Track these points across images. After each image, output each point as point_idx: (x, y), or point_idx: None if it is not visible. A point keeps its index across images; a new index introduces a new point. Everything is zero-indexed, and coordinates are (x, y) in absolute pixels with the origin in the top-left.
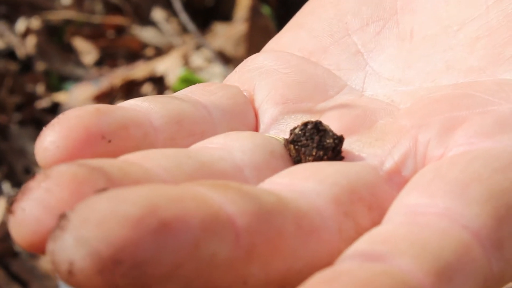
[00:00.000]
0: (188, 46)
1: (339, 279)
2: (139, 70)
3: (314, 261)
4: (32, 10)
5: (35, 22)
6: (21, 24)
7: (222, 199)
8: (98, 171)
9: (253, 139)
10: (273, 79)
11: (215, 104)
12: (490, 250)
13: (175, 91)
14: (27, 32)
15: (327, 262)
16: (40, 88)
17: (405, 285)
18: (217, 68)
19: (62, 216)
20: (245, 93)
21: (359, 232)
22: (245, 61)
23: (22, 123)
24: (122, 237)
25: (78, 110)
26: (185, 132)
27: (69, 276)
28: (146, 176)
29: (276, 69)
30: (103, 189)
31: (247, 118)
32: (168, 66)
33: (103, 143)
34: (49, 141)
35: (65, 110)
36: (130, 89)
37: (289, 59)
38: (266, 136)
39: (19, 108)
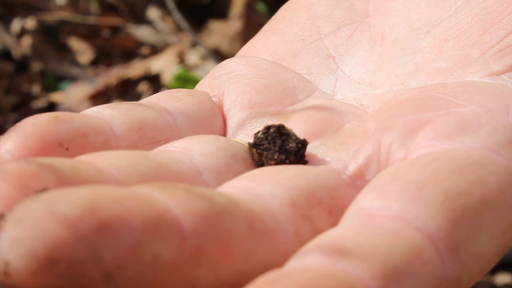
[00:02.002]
0: (184, 44)
1: (282, 280)
2: (135, 69)
3: (268, 264)
4: (27, 10)
5: (30, 23)
6: (16, 25)
7: (168, 200)
8: (47, 168)
9: (214, 143)
10: (241, 84)
11: (181, 111)
12: (444, 253)
13: (170, 89)
14: (23, 32)
15: (283, 265)
16: (36, 88)
17: (348, 287)
18: (213, 66)
19: (1, 217)
20: (214, 99)
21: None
22: (216, 67)
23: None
24: (58, 237)
25: (35, 118)
26: (148, 139)
27: (5, 277)
28: (98, 176)
29: (246, 74)
30: (44, 189)
31: (214, 124)
32: (164, 65)
33: (60, 150)
34: (5, 149)
35: (61, 109)
36: (126, 88)
37: (259, 64)
38: (229, 140)
39: (15, 108)
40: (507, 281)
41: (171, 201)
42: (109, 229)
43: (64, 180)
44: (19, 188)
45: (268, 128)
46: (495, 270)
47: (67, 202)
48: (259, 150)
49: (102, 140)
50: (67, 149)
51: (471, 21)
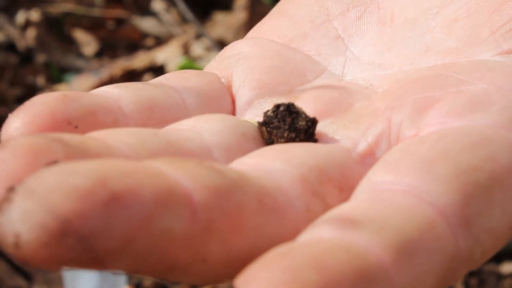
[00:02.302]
0: (188, 36)
1: (294, 253)
2: (139, 60)
3: (278, 240)
4: (31, 2)
5: (35, 14)
6: (20, 17)
7: (178, 174)
8: (57, 142)
9: (224, 121)
10: (250, 65)
11: (190, 91)
12: (457, 228)
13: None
14: (27, 24)
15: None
16: (40, 80)
17: (361, 260)
18: None
19: (11, 189)
20: (223, 80)
21: None
22: (224, 48)
23: None
24: (69, 209)
25: (44, 97)
26: (157, 118)
27: (16, 249)
28: (107, 151)
29: (254, 55)
30: (54, 162)
31: (223, 104)
32: (168, 56)
33: (69, 128)
34: (14, 127)
35: None
36: (131, 80)
37: (268, 45)
38: (238, 118)
39: (19, 100)
40: None
41: (182, 174)
42: (120, 201)
43: (74, 155)
44: (29, 161)
45: (277, 106)
46: (500, 259)
47: (78, 174)
48: (268, 129)
49: (111, 119)
50: (76, 127)
51: (480, 1)
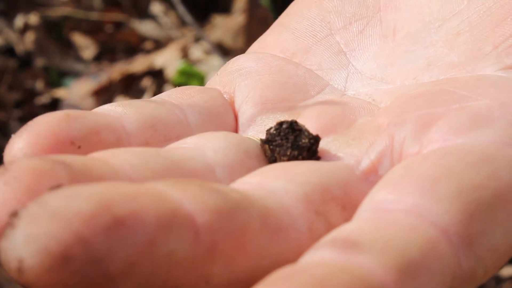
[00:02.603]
0: (187, 39)
1: (296, 275)
2: (138, 63)
3: (282, 260)
4: (30, 6)
5: (34, 18)
6: (19, 21)
7: (181, 196)
8: (60, 164)
9: (226, 139)
10: (252, 80)
11: (192, 108)
12: (459, 247)
13: (174, 84)
14: (26, 28)
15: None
16: (39, 84)
17: (364, 282)
18: (216, 60)
19: (14, 214)
20: (225, 96)
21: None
22: (226, 63)
23: (22, 119)
24: (73, 233)
25: (47, 116)
26: (160, 136)
27: (19, 274)
28: (111, 173)
29: (256, 70)
30: (58, 186)
31: (225, 120)
32: (167, 59)
33: (72, 149)
34: (17, 148)
35: (65, 105)
36: (130, 83)
37: (270, 60)
38: (241, 136)
39: (18, 104)
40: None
41: (185, 197)
42: (124, 225)
43: (77, 177)
44: (32, 185)
45: (280, 124)
46: None
47: (81, 198)
48: (271, 146)
49: (114, 138)
50: (79, 147)
51: (483, 15)
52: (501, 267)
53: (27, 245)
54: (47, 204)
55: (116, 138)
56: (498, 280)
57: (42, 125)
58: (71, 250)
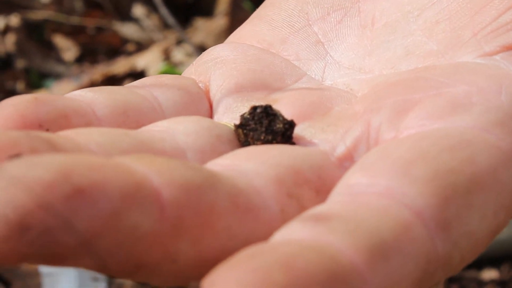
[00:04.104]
0: (169, 41)
1: (264, 253)
2: (120, 65)
3: (252, 241)
4: (11, 8)
5: (15, 20)
6: (0, 22)
7: (147, 170)
8: (22, 138)
9: (198, 123)
10: (228, 68)
11: (166, 95)
12: (434, 231)
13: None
14: (7, 29)
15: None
16: (20, 86)
17: (333, 261)
18: None
19: None
20: (200, 85)
21: None
22: (202, 53)
23: None
24: (30, 202)
25: (15, 99)
26: (132, 123)
27: None
28: (75, 149)
29: (232, 59)
30: (16, 155)
31: (200, 108)
32: (149, 61)
33: (40, 131)
34: None
35: None
36: (111, 85)
37: (246, 49)
38: (214, 121)
39: None
40: (493, 277)
41: (151, 171)
42: (84, 195)
43: (40, 151)
44: None
45: (254, 108)
46: (481, 265)
47: (41, 166)
48: (245, 131)
49: (84, 122)
50: (47, 130)
51: (462, 3)
52: (478, 255)
53: None
54: (4, 172)
55: (86, 123)
56: (480, 283)
57: (9, 107)
58: (28, 218)
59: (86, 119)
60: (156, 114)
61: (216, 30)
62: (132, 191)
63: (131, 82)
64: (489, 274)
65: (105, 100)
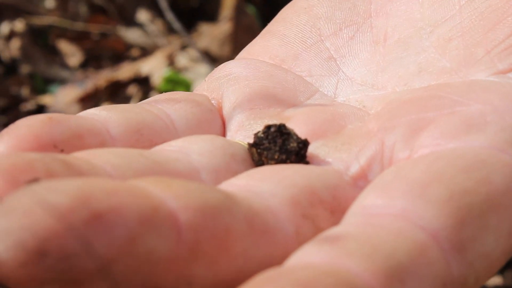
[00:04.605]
0: (173, 47)
1: (281, 278)
2: (124, 71)
3: (267, 263)
4: (16, 13)
5: (19, 25)
6: (5, 27)
7: (164, 194)
8: (39, 161)
9: (213, 142)
10: (240, 86)
11: (179, 113)
12: (450, 253)
13: (160, 91)
14: (11, 35)
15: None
16: (25, 91)
17: (349, 285)
18: (203, 68)
19: None
20: (213, 102)
21: None
22: (214, 69)
23: (7, 126)
24: (48, 227)
25: (29, 120)
26: (145, 141)
27: None
28: (91, 171)
29: (245, 75)
30: (35, 180)
31: (213, 126)
32: (153, 67)
33: (55, 152)
34: None
35: (50, 112)
36: (116, 91)
37: (259, 65)
38: (228, 140)
39: (4, 111)
40: (497, 283)
41: (168, 194)
42: (102, 220)
43: (57, 173)
44: (9, 180)
45: (268, 127)
46: None
47: (59, 192)
48: (259, 150)
49: (98, 142)
50: (62, 150)
51: (475, 20)
52: (493, 275)
53: (1, 238)
54: (22, 198)
55: (100, 142)
56: None
57: (24, 128)
58: (46, 244)
59: (100, 139)
60: (169, 132)
61: (221, 35)
62: (149, 215)
63: (135, 87)
64: (493, 280)
65: (119, 119)
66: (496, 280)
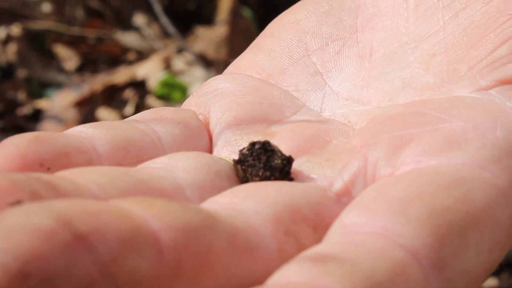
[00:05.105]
0: (169, 50)
1: None
2: (120, 75)
3: (250, 281)
4: (13, 17)
5: (16, 29)
6: (1, 32)
7: (145, 214)
8: (22, 182)
9: (198, 159)
10: (227, 101)
11: (166, 129)
12: (429, 271)
13: (156, 95)
14: (8, 39)
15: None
16: (21, 95)
17: None
18: (199, 71)
19: None
20: (200, 117)
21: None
22: (202, 84)
23: (3, 130)
24: (31, 249)
25: (16, 138)
26: (132, 158)
27: None
28: (76, 191)
29: (232, 91)
30: (17, 202)
31: (199, 142)
32: (149, 71)
33: (41, 170)
34: None
35: (47, 116)
36: (112, 95)
37: (246, 80)
38: (213, 156)
39: (0, 115)
40: (493, 285)
41: (149, 214)
42: (84, 242)
43: (41, 194)
44: None
45: (253, 144)
46: None
47: (41, 214)
48: (243, 167)
49: (85, 160)
50: (48, 169)
51: (458, 36)
52: None
53: None
54: (5, 220)
55: (87, 160)
56: None
57: (10, 147)
58: (28, 266)
59: (87, 156)
60: (156, 148)
61: (217, 39)
62: (131, 235)
63: (131, 91)
64: (488, 282)
65: (106, 136)
66: (492, 282)
